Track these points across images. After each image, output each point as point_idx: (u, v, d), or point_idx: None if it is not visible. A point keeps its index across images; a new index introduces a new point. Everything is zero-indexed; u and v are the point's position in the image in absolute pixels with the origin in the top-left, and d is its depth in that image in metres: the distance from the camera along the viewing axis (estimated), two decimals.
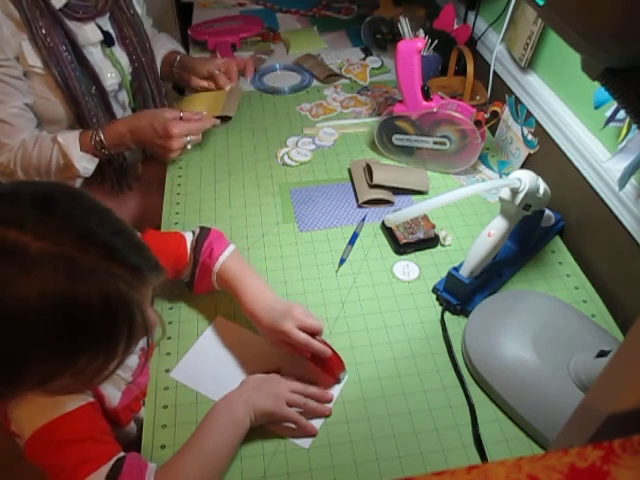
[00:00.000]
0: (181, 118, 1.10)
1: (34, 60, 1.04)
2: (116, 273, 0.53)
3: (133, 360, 0.77)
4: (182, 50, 1.42)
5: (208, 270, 0.84)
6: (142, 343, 0.67)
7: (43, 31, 1.03)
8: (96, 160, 1.11)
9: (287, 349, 0.78)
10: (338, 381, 0.79)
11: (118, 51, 1.19)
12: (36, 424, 0.63)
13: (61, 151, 1.07)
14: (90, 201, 0.57)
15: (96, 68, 1.13)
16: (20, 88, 1.05)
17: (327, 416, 0.75)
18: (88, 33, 1.12)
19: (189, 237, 0.88)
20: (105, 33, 1.15)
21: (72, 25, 1.09)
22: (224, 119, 1.23)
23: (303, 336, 0.75)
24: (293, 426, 0.73)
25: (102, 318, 0.53)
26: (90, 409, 0.67)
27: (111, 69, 1.18)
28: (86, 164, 1.10)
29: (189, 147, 1.11)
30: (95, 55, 1.15)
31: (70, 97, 1.10)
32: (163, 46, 1.36)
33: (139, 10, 1.23)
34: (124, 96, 1.25)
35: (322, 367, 0.78)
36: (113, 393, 0.74)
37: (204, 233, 0.87)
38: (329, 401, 0.77)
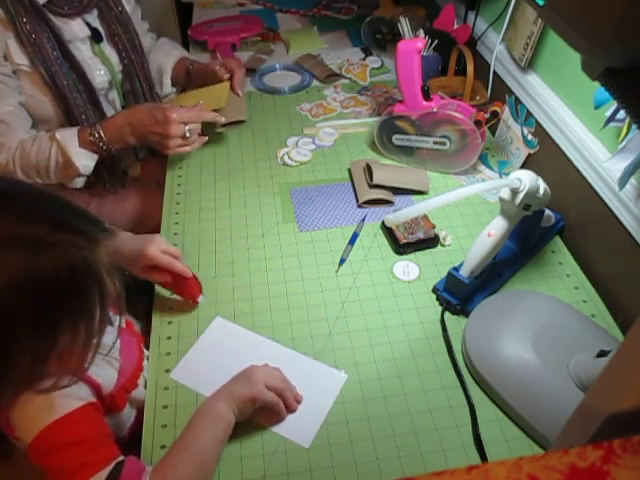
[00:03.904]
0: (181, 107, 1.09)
1: (20, 58, 1.04)
2: (71, 241, 0.54)
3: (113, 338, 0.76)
4: (189, 56, 1.42)
5: None
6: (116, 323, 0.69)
7: (28, 27, 1.02)
8: (95, 157, 1.10)
9: (151, 276, 0.85)
10: (197, 303, 0.88)
11: (108, 49, 1.18)
12: (37, 427, 0.63)
13: (60, 148, 1.06)
14: (24, 184, 0.58)
15: (85, 65, 1.13)
16: (13, 86, 1.05)
17: (292, 411, 0.76)
18: (74, 28, 1.11)
19: None
20: (93, 29, 1.14)
21: (58, 21, 1.08)
22: (237, 123, 1.22)
23: (167, 257, 0.83)
24: (282, 413, 0.74)
25: (73, 286, 0.54)
26: (90, 409, 0.68)
27: (100, 66, 1.18)
28: (86, 161, 1.09)
29: (188, 134, 1.08)
30: (84, 52, 1.14)
31: (58, 94, 1.09)
32: (170, 54, 1.36)
33: (128, 8, 1.22)
34: (114, 95, 1.24)
35: (183, 291, 0.88)
36: (107, 377, 0.74)
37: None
38: (299, 401, 0.77)
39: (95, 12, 1.15)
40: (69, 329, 0.54)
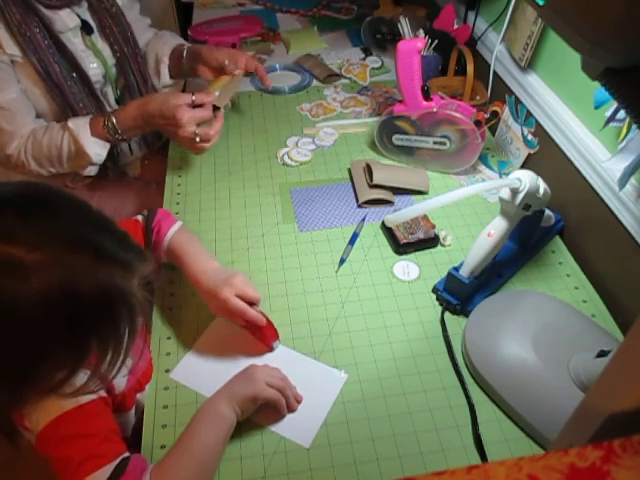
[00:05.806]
0: (193, 101, 1.07)
1: (12, 48, 1.03)
2: (111, 271, 0.55)
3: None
4: (187, 43, 1.40)
5: (158, 246, 0.89)
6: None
7: (17, 17, 1.01)
8: (107, 146, 1.09)
9: (226, 316, 0.82)
10: (271, 349, 0.84)
11: (100, 42, 1.18)
12: (49, 416, 0.64)
13: (72, 136, 1.05)
14: (69, 197, 0.58)
15: (77, 57, 1.12)
16: (13, 74, 1.04)
17: (293, 410, 0.76)
18: (65, 18, 1.10)
19: (141, 220, 0.92)
20: (83, 21, 1.13)
21: (47, 12, 1.07)
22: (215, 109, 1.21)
23: (240, 304, 0.79)
24: (283, 410, 0.75)
25: (106, 312, 0.55)
26: (101, 403, 0.68)
27: (93, 59, 1.17)
28: (98, 150, 1.08)
29: (198, 140, 1.06)
30: (77, 45, 1.13)
31: (52, 84, 1.08)
32: (168, 42, 1.33)
33: (120, 2, 1.20)
34: (109, 89, 1.23)
35: (257, 336, 0.83)
36: (120, 376, 0.74)
37: (152, 213, 0.92)
38: (299, 401, 0.78)
39: (85, 5, 1.14)
40: (98, 349, 0.56)
